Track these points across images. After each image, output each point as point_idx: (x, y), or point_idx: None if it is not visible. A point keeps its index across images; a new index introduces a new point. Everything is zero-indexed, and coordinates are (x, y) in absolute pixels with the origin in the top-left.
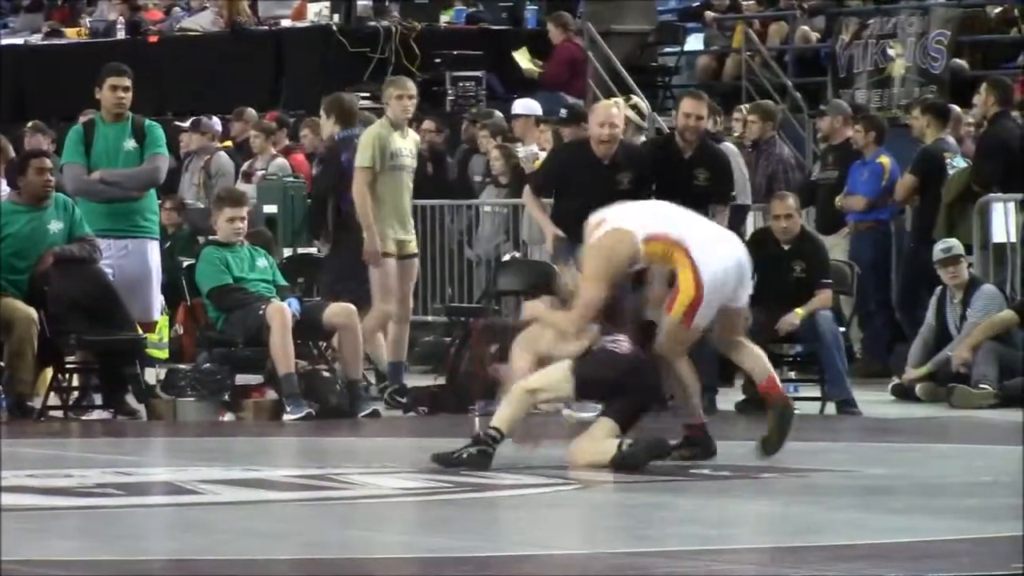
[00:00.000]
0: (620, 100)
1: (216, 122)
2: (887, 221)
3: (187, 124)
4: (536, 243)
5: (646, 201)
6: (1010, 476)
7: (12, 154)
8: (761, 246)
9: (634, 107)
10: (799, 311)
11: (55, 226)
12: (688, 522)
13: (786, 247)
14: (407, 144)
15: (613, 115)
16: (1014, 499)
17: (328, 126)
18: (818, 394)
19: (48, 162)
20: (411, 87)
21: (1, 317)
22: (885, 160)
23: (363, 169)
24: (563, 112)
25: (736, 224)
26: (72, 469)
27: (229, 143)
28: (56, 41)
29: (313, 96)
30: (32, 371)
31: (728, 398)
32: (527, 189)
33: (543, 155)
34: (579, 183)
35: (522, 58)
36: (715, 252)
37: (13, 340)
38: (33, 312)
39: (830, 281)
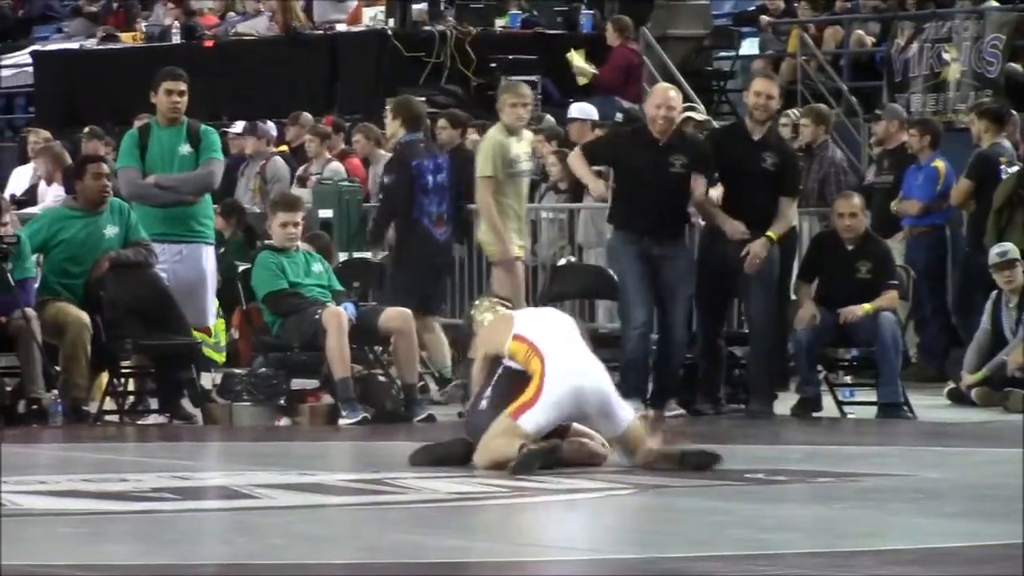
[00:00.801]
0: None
1: (271, 127)
2: (942, 225)
3: (234, 130)
4: (592, 246)
5: (552, 311)
6: None
7: (68, 160)
8: (826, 247)
9: (692, 108)
10: (866, 306)
11: (111, 231)
12: (742, 526)
13: (850, 247)
14: (523, 149)
15: (670, 98)
16: (1015, 503)
17: (394, 127)
18: (874, 398)
19: (105, 167)
20: (526, 94)
21: (55, 322)
22: (940, 164)
23: (486, 179)
24: (619, 116)
25: None
26: (128, 473)
27: (284, 148)
28: (111, 46)
29: (368, 101)
30: (86, 375)
31: (785, 403)
32: (576, 149)
33: None
34: (634, 164)
35: (578, 59)
36: (567, 380)
37: (67, 344)
38: (86, 316)
39: (896, 282)
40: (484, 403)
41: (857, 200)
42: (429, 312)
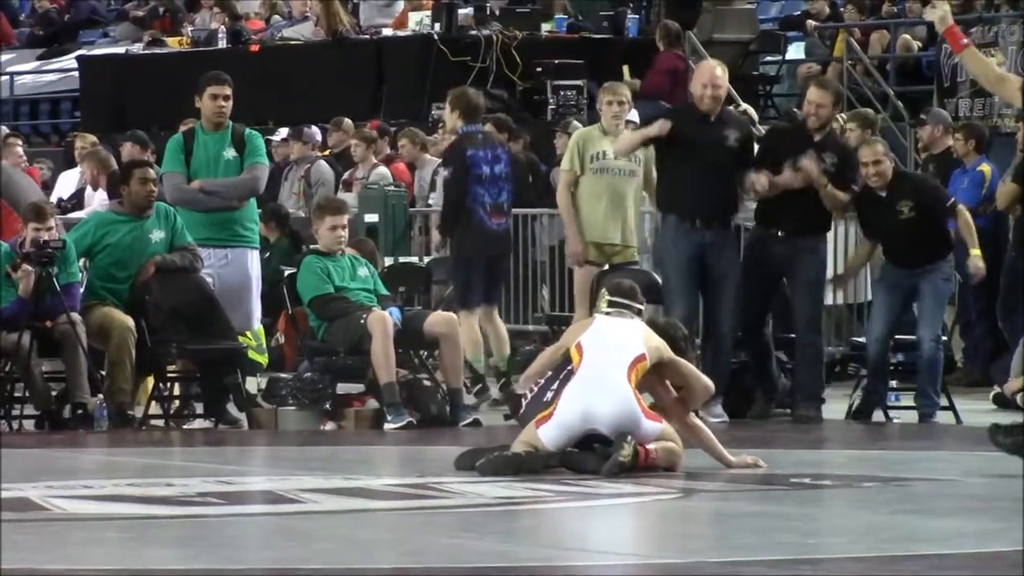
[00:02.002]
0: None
1: (316, 131)
2: (988, 230)
3: (277, 137)
4: (638, 250)
5: (632, 325)
6: None
7: (114, 165)
8: (862, 203)
9: (743, 113)
10: (976, 255)
11: (157, 235)
12: (788, 531)
13: (883, 193)
14: None
15: (717, 76)
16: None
17: (452, 120)
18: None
19: (152, 172)
20: (619, 92)
21: (101, 326)
22: (986, 168)
23: (563, 172)
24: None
25: None
26: (173, 478)
27: (327, 152)
28: (157, 50)
29: (414, 105)
30: (131, 380)
31: (835, 407)
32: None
33: None
34: (688, 140)
35: (626, 71)
36: (578, 401)
37: (112, 349)
38: (130, 321)
39: (952, 200)
40: (549, 395)
41: (880, 147)
42: (488, 303)
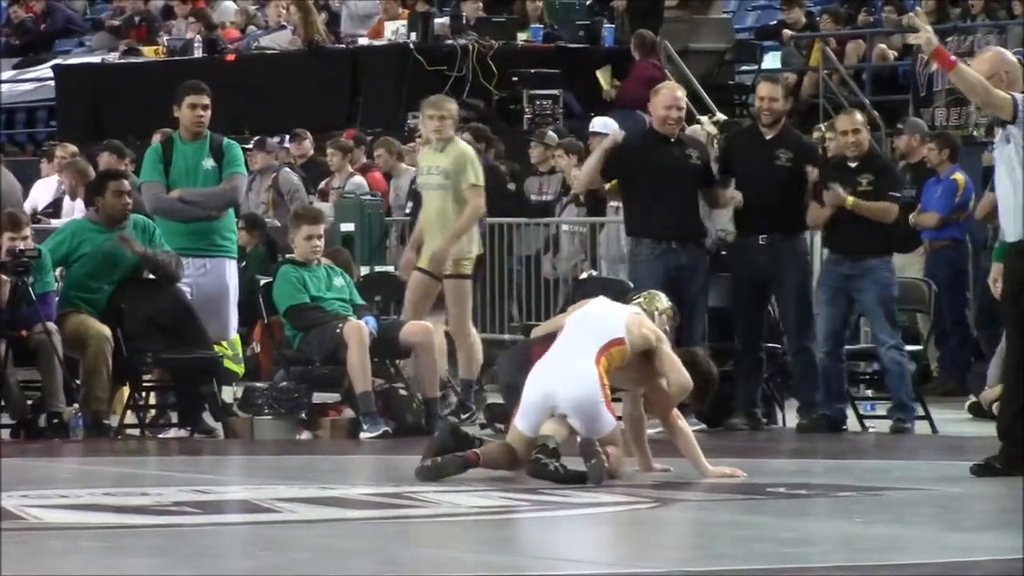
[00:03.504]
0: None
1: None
2: (961, 239)
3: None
4: (614, 260)
5: (615, 311)
6: None
7: (93, 176)
8: (830, 170)
9: (716, 123)
10: (849, 199)
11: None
12: (764, 540)
13: (853, 164)
14: (439, 161)
15: (679, 98)
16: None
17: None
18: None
19: (126, 184)
20: (444, 107)
21: (76, 335)
22: (959, 177)
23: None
24: None
25: None
26: (149, 487)
27: (291, 161)
28: (133, 60)
29: (390, 114)
30: (107, 389)
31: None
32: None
33: None
34: (653, 163)
35: (604, 76)
36: (539, 383)
37: (88, 358)
38: (106, 330)
39: (899, 195)
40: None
41: (859, 116)
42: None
